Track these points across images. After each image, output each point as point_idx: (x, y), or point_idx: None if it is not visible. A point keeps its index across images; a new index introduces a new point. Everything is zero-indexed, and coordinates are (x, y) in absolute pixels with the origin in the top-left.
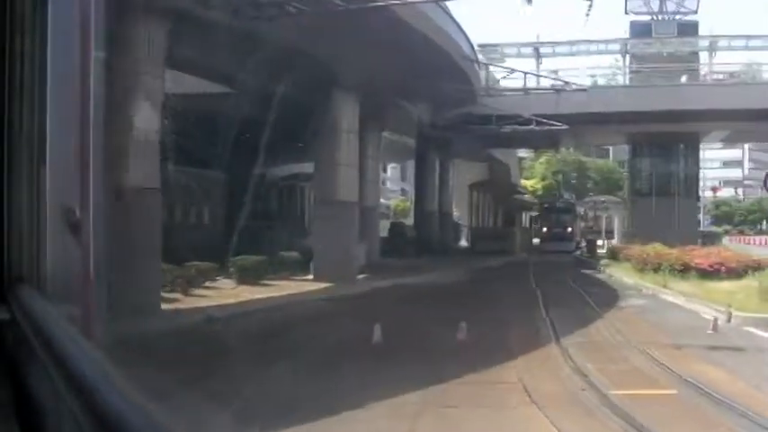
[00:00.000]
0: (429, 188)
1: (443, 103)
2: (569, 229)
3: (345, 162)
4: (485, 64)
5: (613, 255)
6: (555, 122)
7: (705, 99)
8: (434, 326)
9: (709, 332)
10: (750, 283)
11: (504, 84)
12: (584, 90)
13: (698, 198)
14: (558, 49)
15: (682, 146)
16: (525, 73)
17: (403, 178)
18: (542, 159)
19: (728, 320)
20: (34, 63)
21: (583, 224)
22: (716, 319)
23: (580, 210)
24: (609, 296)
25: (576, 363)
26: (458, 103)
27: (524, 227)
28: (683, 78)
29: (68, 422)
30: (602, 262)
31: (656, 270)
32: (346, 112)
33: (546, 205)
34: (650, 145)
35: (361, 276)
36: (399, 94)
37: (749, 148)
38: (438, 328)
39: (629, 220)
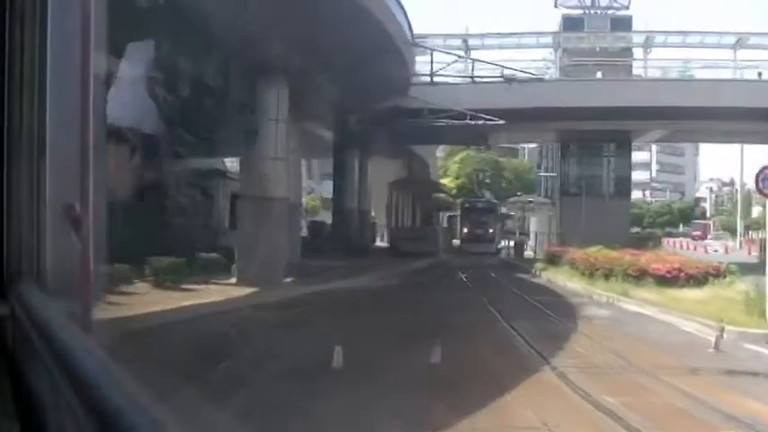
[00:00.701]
0: (348, 185)
1: (372, 92)
2: (491, 230)
3: (273, 155)
4: (429, 49)
5: (550, 258)
6: (490, 117)
7: (640, 96)
8: (395, 343)
9: (711, 351)
10: (717, 291)
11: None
12: (540, 80)
13: (630, 199)
14: (488, 41)
15: (613, 144)
16: (473, 60)
17: (309, 176)
18: (457, 158)
19: (721, 336)
20: (34, 60)
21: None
22: (718, 337)
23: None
24: (564, 305)
25: (590, 395)
26: (390, 94)
27: (444, 227)
28: (598, 74)
29: (68, 416)
30: (537, 265)
31: (608, 276)
32: (274, 98)
33: (467, 205)
34: (581, 143)
35: (287, 280)
36: (323, 80)
37: (656, 151)
38: (401, 346)
39: (558, 221)
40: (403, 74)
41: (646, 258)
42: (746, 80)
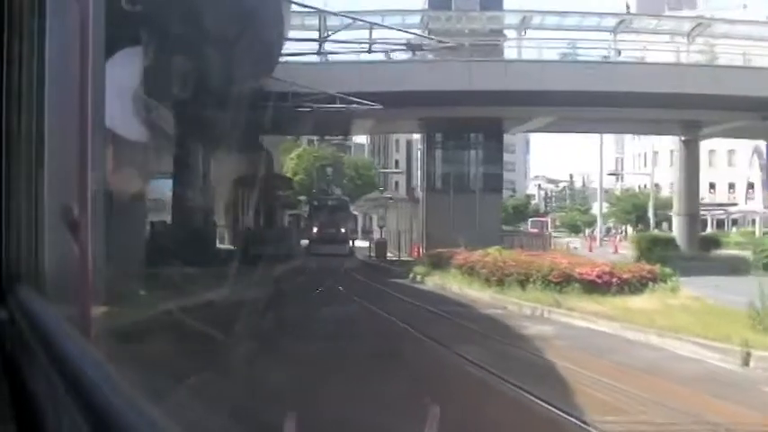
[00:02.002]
0: (192, 182)
1: (230, 70)
2: (343, 230)
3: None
4: (316, 10)
5: (433, 261)
6: (365, 101)
7: (515, 79)
8: (340, 394)
9: None
10: (664, 299)
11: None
12: (453, 48)
13: (501, 194)
14: (348, 20)
15: (482, 134)
16: (372, 25)
17: None
18: (293, 154)
19: (747, 364)
20: (33, 64)
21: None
22: None
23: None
24: (486, 320)
25: None
26: (251, 72)
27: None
28: (429, 56)
29: (67, 422)
30: (417, 270)
31: (524, 282)
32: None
33: (316, 203)
34: (448, 132)
35: (142, 293)
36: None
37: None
38: (354, 396)
39: (423, 219)
40: (274, 44)
41: (569, 261)
42: (636, 63)
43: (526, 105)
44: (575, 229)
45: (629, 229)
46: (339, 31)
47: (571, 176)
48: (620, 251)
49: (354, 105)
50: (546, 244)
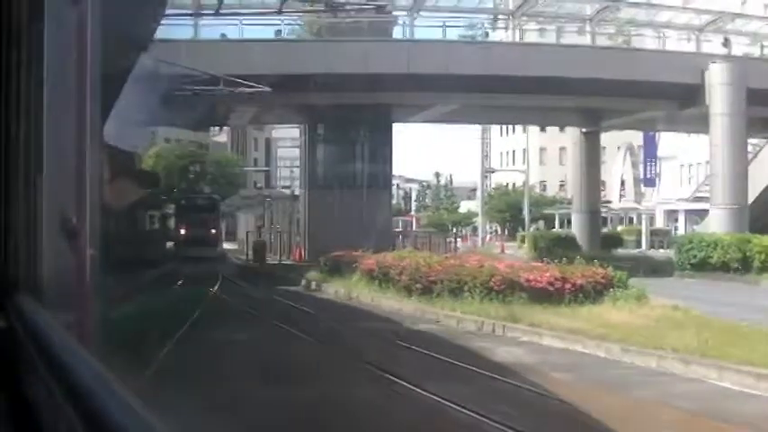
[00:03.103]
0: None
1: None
2: (214, 231)
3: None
4: None
5: (332, 266)
6: (252, 84)
7: (405, 61)
8: None
9: None
10: (635, 308)
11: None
12: (383, 8)
13: (391, 191)
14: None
15: (369, 125)
16: None
17: None
18: (152, 152)
19: None
20: (31, 73)
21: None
22: None
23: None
24: (428, 340)
25: None
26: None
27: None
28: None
29: (66, 430)
30: (311, 275)
31: (456, 291)
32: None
33: (183, 202)
34: (332, 121)
35: None
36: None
37: None
38: None
39: (305, 218)
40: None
41: (509, 266)
42: (544, 44)
43: (427, 91)
44: (442, 228)
45: (499, 229)
46: None
47: (437, 175)
48: (508, 251)
49: (240, 89)
50: (414, 243)
